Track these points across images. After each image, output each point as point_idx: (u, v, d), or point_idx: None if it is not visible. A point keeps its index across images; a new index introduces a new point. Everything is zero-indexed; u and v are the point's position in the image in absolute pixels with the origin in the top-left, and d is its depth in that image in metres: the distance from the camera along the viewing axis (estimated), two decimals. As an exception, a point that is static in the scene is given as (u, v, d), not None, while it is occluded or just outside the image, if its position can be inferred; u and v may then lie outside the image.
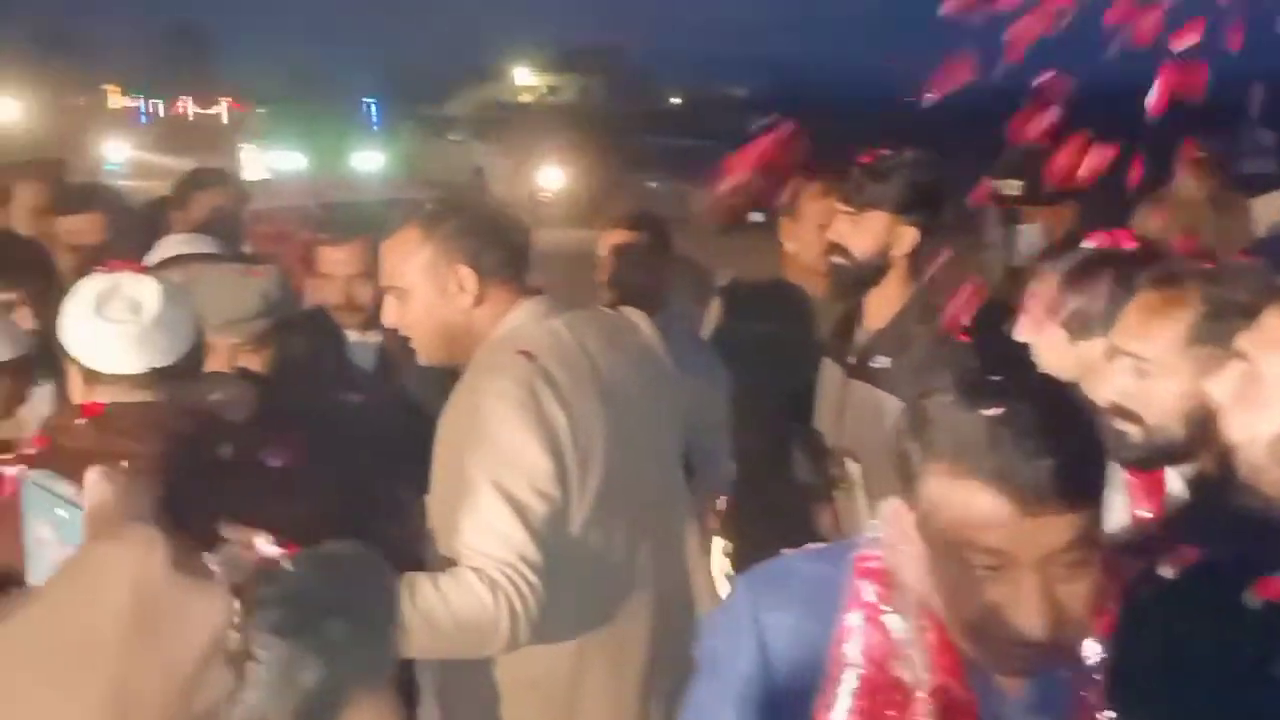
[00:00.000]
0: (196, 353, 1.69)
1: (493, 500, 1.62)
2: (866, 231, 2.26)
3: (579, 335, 1.83)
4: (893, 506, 1.13)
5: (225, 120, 29.44)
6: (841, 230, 2.29)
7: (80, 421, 1.62)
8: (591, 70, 43.42)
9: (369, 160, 19.19)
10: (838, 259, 2.30)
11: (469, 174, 18.15)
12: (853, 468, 2.26)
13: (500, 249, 1.85)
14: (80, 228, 2.84)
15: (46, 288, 2.37)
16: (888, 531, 1.14)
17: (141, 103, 34.83)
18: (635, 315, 2.00)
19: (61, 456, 1.54)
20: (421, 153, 19.58)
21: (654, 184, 15.14)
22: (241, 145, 20.01)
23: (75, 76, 33.93)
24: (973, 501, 1.01)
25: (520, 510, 1.63)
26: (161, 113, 32.09)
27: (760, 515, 2.44)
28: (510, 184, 16.66)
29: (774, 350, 2.67)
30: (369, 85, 27.77)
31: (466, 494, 1.65)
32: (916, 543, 1.09)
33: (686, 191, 14.71)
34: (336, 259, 2.59)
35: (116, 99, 35.86)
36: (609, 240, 2.77)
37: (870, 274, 2.28)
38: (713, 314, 2.88)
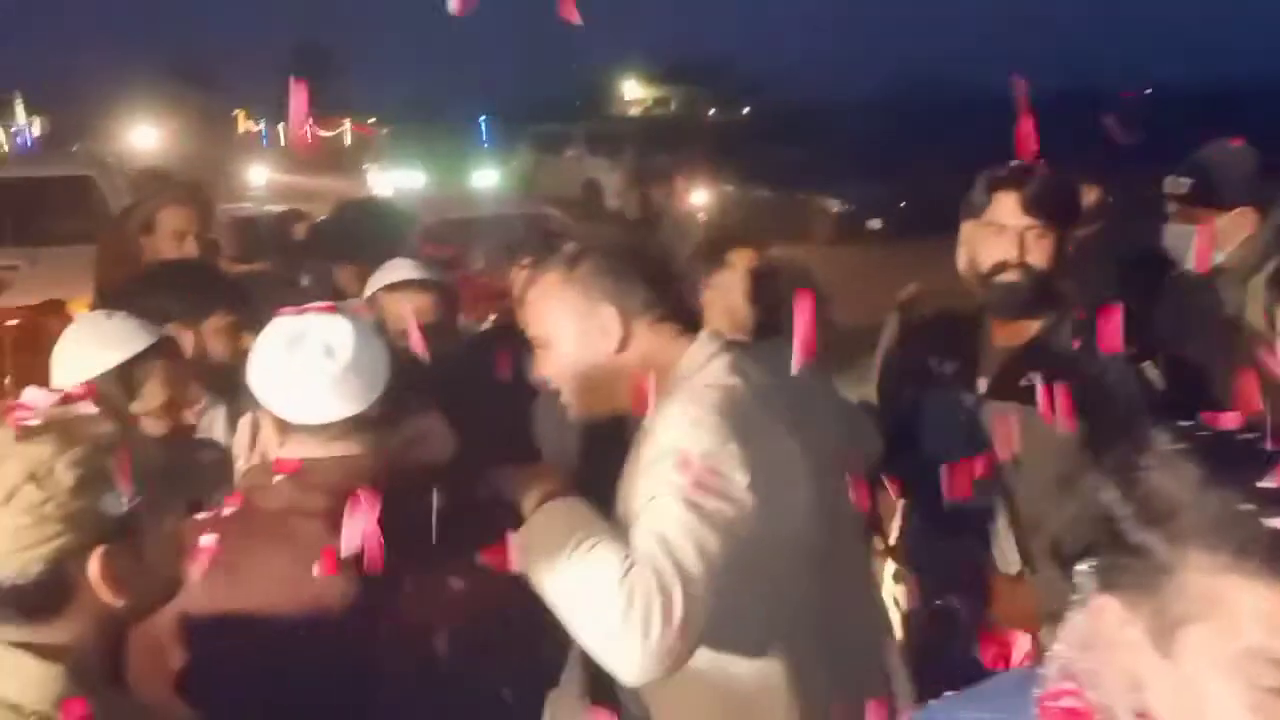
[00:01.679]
0: (391, 394, 1.60)
1: (672, 508, 1.52)
2: (1047, 246, 2.14)
3: (755, 368, 1.73)
4: (1101, 608, 0.87)
5: (348, 142, 30.51)
6: (1029, 244, 2.13)
7: (277, 479, 1.57)
8: (699, 80, 43.58)
9: (485, 177, 19.68)
10: (1011, 276, 2.14)
11: (581, 188, 18.53)
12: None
13: (646, 285, 1.73)
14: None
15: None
16: (1090, 651, 0.88)
17: (263, 127, 36.15)
18: (778, 344, 1.85)
19: (258, 518, 1.54)
20: (536, 168, 20.05)
21: (768, 194, 15.15)
22: (366, 166, 20.84)
23: (208, 103, 35.44)
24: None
25: (695, 522, 1.51)
26: (282, 138, 33.16)
27: (929, 539, 2.34)
28: (624, 198, 16.93)
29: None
30: (482, 104, 28.35)
31: (648, 499, 1.56)
32: (1151, 662, 0.84)
33: (804, 201, 14.72)
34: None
35: (242, 123, 37.45)
36: (741, 261, 2.52)
37: (1040, 290, 2.14)
38: (890, 331, 2.55)
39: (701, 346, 1.73)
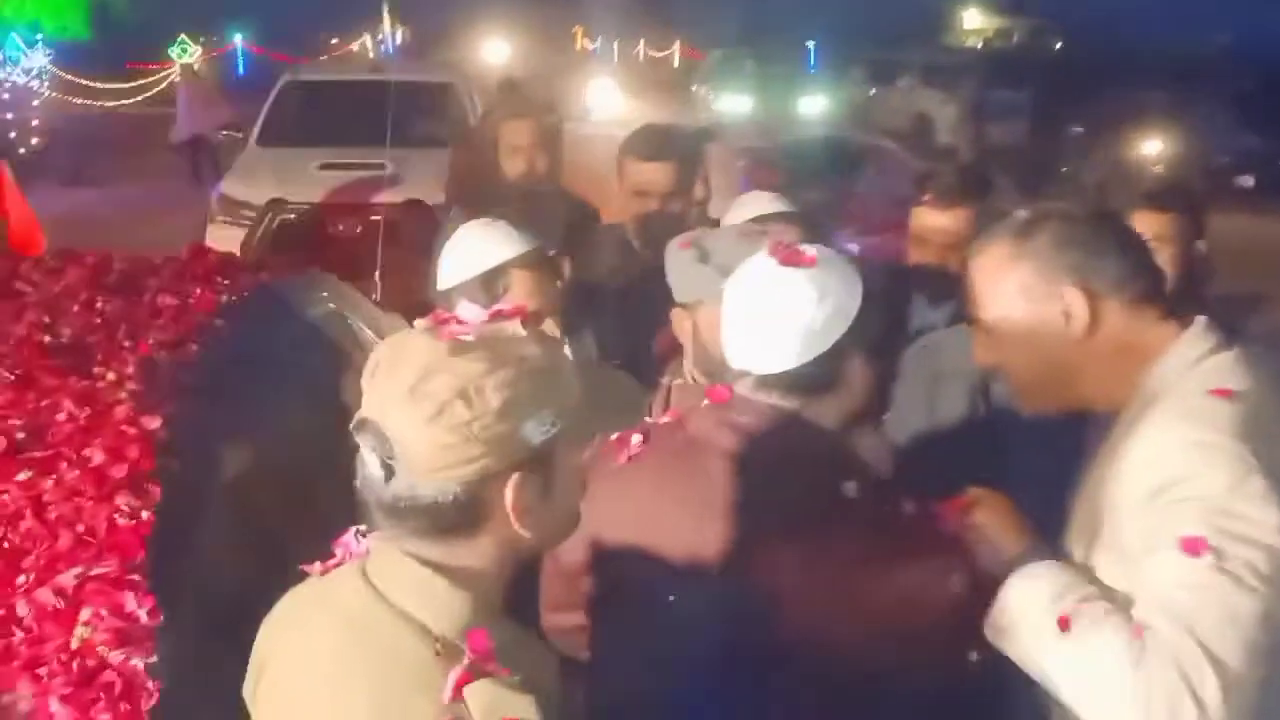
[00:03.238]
0: (838, 361, 1.52)
1: (1183, 568, 1.27)
2: None
3: (1258, 366, 1.46)
4: None
5: (676, 64, 30.87)
6: None
7: (704, 404, 1.60)
8: (1046, 11, 40.50)
9: (812, 104, 19.30)
10: None
11: (911, 120, 17.81)
12: None
13: (1117, 259, 1.49)
14: (652, 176, 2.81)
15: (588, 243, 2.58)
16: None
17: (598, 44, 37.24)
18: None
19: (678, 439, 1.58)
20: (865, 98, 19.46)
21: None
22: (694, 87, 20.99)
23: (548, 20, 36.96)
24: None
25: (1219, 585, 1.26)
26: (615, 56, 33.96)
27: None
28: (957, 134, 16.12)
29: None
30: (812, 29, 27.68)
31: (1150, 551, 1.33)
32: None
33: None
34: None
35: (579, 40, 38.82)
36: (1148, 227, 2.23)
37: None
38: None
39: (1196, 338, 1.46)
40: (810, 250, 1.53)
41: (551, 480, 1.15)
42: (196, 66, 17.35)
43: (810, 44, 27.22)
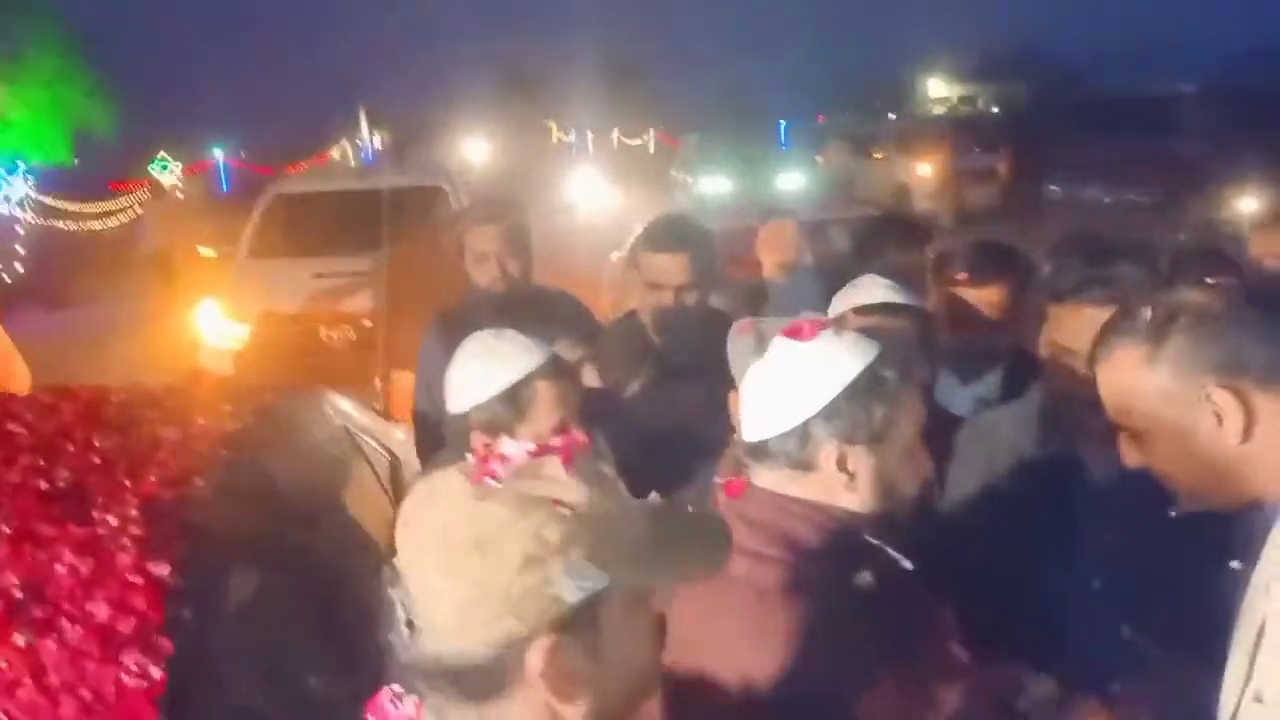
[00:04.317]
0: (805, 440, 1.46)
1: None
2: None
3: None
4: None
5: (651, 150, 31.32)
6: None
7: (722, 500, 1.53)
8: (1010, 76, 41.39)
9: (790, 180, 19.52)
10: None
11: (892, 191, 17.99)
12: None
13: (1268, 345, 1.30)
14: (668, 267, 2.73)
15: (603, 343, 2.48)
16: None
17: (572, 136, 37.79)
18: None
19: None
20: (843, 170, 19.71)
21: (1106, 198, 14.01)
22: (673, 172, 21.23)
23: (527, 115, 37.54)
24: None
25: None
26: (590, 147, 34.40)
27: None
28: (937, 200, 16.28)
29: None
30: (784, 108, 28.26)
31: None
32: None
33: (1143, 204, 13.47)
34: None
35: (554, 134, 39.45)
36: None
37: None
38: None
39: None
40: (824, 329, 1.49)
41: (600, 642, 0.99)
42: (178, 183, 17.46)
43: (781, 122, 27.73)
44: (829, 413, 1.43)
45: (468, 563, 0.96)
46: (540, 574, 0.95)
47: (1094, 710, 1.50)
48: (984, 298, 2.37)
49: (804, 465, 1.45)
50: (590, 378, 2.50)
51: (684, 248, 2.73)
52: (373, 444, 3.16)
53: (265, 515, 2.21)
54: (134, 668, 1.64)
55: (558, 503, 0.98)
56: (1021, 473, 2.02)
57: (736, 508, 1.48)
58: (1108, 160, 14.80)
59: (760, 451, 1.48)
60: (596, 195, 20.83)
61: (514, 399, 2.05)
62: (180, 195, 19.49)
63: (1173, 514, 1.42)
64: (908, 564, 1.43)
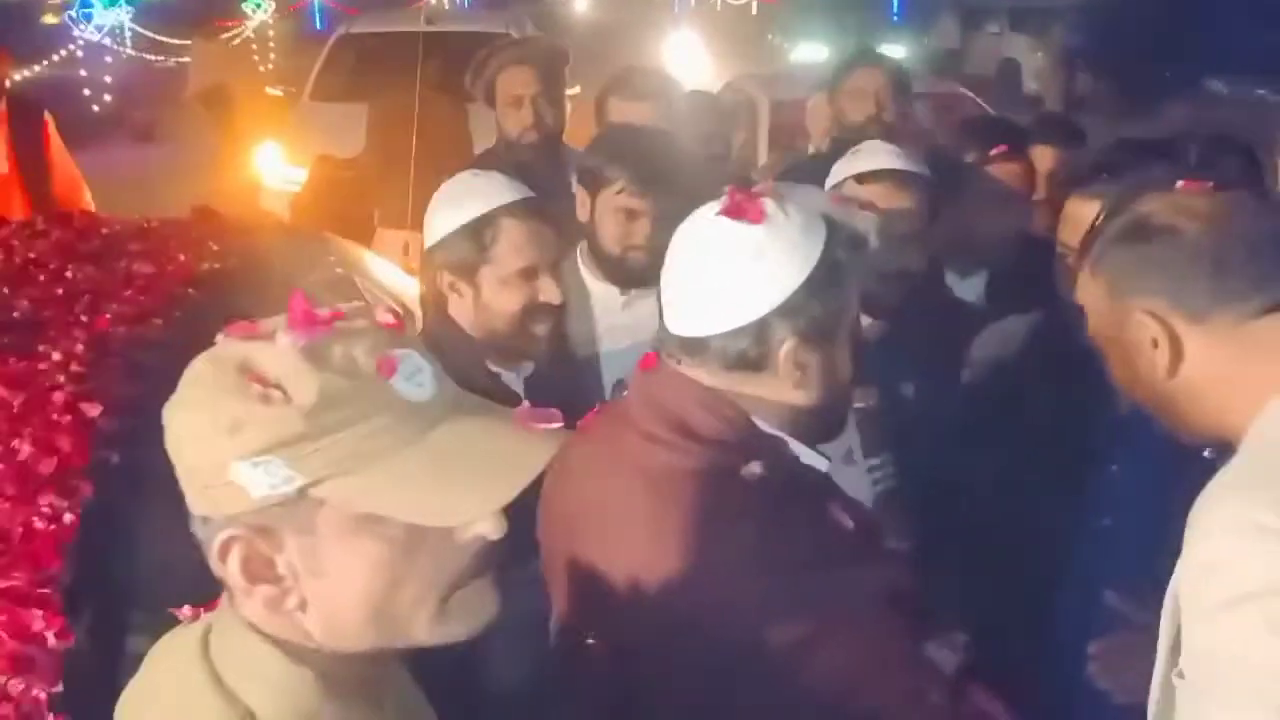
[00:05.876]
0: (766, 338, 1.30)
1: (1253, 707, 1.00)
2: None
3: None
4: None
5: (754, 11, 30.05)
6: None
7: (638, 372, 1.41)
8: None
9: (895, 53, 18.62)
10: None
11: (997, 65, 17.07)
12: None
13: (1209, 273, 1.16)
14: (640, 117, 2.64)
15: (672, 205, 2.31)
16: None
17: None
18: None
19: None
20: (951, 44, 18.77)
21: (1262, 91, 12.90)
22: (769, 37, 20.39)
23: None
24: None
25: None
26: (693, 2, 33.19)
27: None
28: (1046, 81, 15.35)
29: None
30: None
31: (1211, 677, 1.05)
32: None
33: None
34: None
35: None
36: None
37: None
38: None
39: None
40: (770, 204, 1.28)
41: (320, 553, 0.88)
42: (268, 20, 17.25)
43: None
44: (788, 308, 1.26)
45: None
46: (214, 456, 0.86)
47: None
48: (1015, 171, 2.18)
49: (754, 365, 1.28)
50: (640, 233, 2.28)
51: (651, 98, 2.60)
52: (382, 295, 3.06)
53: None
54: (47, 510, 1.57)
55: (265, 383, 0.85)
56: (1028, 390, 1.82)
57: (642, 384, 1.36)
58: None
59: (697, 348, 1.30)
60: (693, 65, 20.13)
61: (477, 235, 1.92)
62: (256, 36, 19.25)
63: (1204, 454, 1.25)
64: (823, 464, 1.30)
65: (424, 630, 0.91)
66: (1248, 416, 1.12)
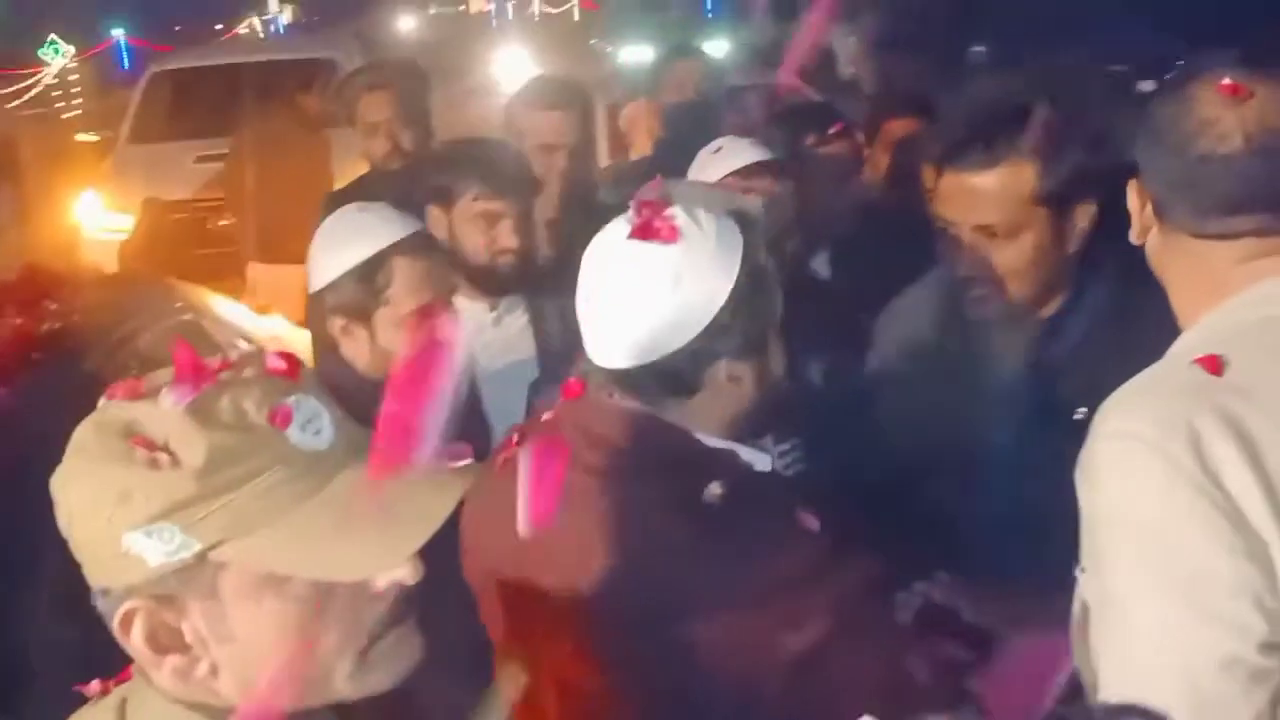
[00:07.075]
0: (697, 361, 1.27)
1: (1139, 624, 1.02)
2: None
3: None
4: None
5: (576, 18, 30.22)
6: None
7: (559, 402, 1.36)
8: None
9: (716, 49, 19.00)
10: None
11: (818, 56, 17.65)
12: None
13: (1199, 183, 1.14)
14: (554, 126, 2.62)
15: (530, 206, 2.28)
16: None
17: (494, 5, 36.28)
18: None
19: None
20: (769, 38, 19.26)
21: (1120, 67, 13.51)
22: (593, 41, 20.58)
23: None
24: None
25: (1186, 651, 1.00)
26: (510, 14, 33.17)
27: None
28: (860, 65, 15.97)
29: None
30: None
31: (1103, 603, 1.07)
32: None
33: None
34: None
35: (474, 4, 37.87)
36: None
37: None
38: None
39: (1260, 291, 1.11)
40: (677, 217, 1.23)
41: (224, 616, 0.85)
42: (72, 65, 16.43)
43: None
44: (715, 329, 1.23)
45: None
46: (106, 527, 0.83)
47: None
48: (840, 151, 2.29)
49: (688, 389, 1.26)
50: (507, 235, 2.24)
51: (562, 108, 2.61)
52: (233, 338, 2.99)
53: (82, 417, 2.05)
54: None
55: (152, 447, 0.82)
56: (930, 363, 1.86)
57: (573, 416, 1.30)
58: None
59: (627, 380, 1.26)
60: (518, 73, 20.06)
61: (368, 278, 1.86)
62: (59, 82, 18.31)
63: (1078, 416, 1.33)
64: (764, 465, 1.30)
65: (345, 684, 0.89)
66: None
